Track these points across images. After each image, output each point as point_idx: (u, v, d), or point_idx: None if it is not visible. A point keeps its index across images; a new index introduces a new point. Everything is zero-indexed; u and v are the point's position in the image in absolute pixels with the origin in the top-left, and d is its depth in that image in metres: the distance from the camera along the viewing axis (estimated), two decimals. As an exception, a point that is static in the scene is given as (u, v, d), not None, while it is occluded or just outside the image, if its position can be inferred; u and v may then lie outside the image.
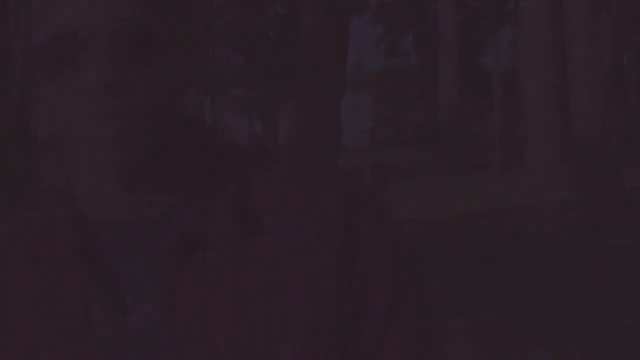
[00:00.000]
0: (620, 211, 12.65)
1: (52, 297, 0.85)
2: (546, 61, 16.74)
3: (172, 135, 0.84)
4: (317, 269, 0.84)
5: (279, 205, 0.86)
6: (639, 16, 30.81)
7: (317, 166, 0.93)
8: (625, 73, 34.57)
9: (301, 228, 0.85)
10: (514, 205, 14.51)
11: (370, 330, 0.86)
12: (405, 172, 25.66)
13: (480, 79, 36.83)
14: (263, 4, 35.42)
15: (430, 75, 39.23)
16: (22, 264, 0.87)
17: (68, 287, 0.85)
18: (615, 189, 13.37)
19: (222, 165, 0.89)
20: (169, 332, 0.82)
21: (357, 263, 0.85)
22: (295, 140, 8.11)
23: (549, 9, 16.43)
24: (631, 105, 31.12)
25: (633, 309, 6.48)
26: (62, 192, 0.89)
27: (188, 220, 0.84)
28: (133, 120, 0.80)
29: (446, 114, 25.79)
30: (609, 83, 17.38)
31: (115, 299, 0.84)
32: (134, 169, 0.81)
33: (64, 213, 0.87)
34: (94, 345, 0.83)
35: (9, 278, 0.88)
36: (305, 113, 7.96)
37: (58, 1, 0.80)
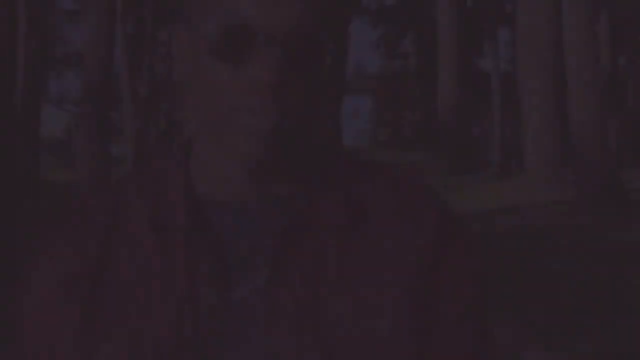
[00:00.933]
0: (618, 211, 12.70)
1: (162, 264, 0.88)
2: (544, 62, 16.80)
3: (310, 134, 0.91)
4: (406, 265, 0.91)
5: (382, 208, 0.93)
6: (636, 18, 30.85)
7: (420, 183, 0.99)
8: (622, 74, 34.62)
9: (398, 230, 0.92)
10: (511, 205, 14.58)
11: (441, 329, 0.93)
12: (405, 172, 25.99)
13: (479, 80, 36.90)
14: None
15: (429, 76, 39.35)
16: (138, 229, 0.91)
17: (178, 257, 0.88)
18: (613, 189, 13.39)
19: (338, 167, 0.96)
20: (274, 306, 0.86)
21: (438, 275, 0.93)
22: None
23: (547, 10, 16.46)
24: (629, 106, 31.13)
25: (630, 308, 6.52)
26: (177, 170, 0.93)
27: (300, 207, 0.90)
28: (289, 117, 0.84)
29: (445, 115, 25.83)
30: (607, 84, 17.42)
31: (221, 273, 0.87)
32: (273, 160, 0.86)
33: (180, 190, 0.91)
34: (197, 314, 0.86)
35: (126, 239, 0.91)
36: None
37: None
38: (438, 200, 0.97)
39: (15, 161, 8.25)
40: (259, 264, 0.88)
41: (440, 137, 27.32)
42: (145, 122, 28.37)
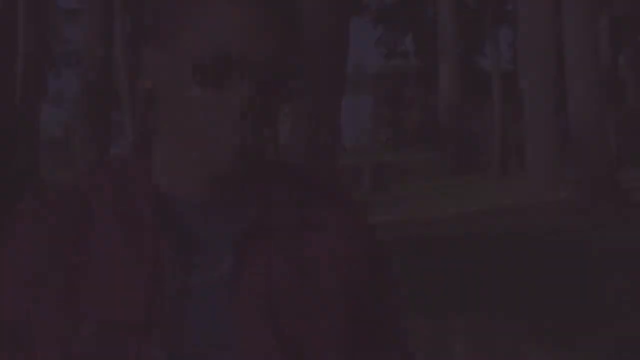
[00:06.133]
0: (616, 212, 12.70)
1: (130, 254, 0.97)
2: (545, 61, 16.79)
3: (266, 150, 1.01)
4: (342, 266, 1.04)
5: (324, 214, 1.06)
6: (636, 17, 30.83)
7: (351, 197, 1.12)
8: (622, 73, 34.60)
9: (335, 237, 1.05)
10: (511, 205, 14.61)
11: (382, 326, 1.08)
12: (405, 171, 25.79)
13: (480, 79, 36.80)
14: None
15: (429, 76, 39.24)
16: (106, 219, 0.99)
17: (143, 244, 0.97)
18: (612, 190, 13.38)
19: (275, 174, 1.06)
20: (237, 289, 0.98)
21: (371, 282, 1.07)
22: (295, 142, 8.10)
23: (548, 9, 16.46)
24: (629, 105, 31.11)
25: (630, 308, 6.54)
26: (139, 168, 1.02)
27: (254, 211, 1.01)
28: (258, 134, 0.96)
29: (445, 114, 25.83)
30: (607, 83, 17.38)
31: (183, 261, 0.97)
32: (236, 170, 0.96)
33: (145, 186, 1.00)
34: (163, 297, 0.96)
35: (95, 228, 0.99)
36: (306, 114, 7.96)
37: (225, 25, 0.94)
38: (366, 218, 1.12)
39: (15, 160, 8.22)
40: (221, 255, 0.98)
41: (440, 136, 27.25)
42: (144, 122, 28.40)
